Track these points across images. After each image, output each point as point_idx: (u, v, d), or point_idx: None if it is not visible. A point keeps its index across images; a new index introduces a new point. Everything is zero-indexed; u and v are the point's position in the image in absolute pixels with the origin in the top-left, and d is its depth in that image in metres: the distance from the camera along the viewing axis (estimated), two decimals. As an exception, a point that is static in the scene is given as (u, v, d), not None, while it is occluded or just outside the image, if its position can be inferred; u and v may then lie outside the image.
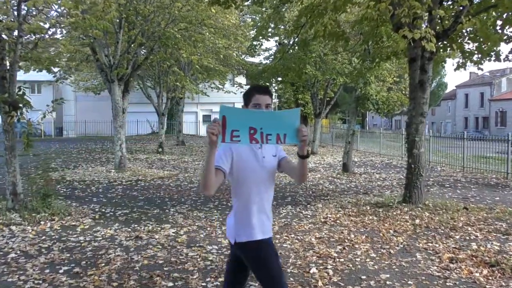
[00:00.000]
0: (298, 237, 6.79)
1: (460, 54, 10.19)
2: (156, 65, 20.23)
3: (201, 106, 43.21)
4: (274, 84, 24.15)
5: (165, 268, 5.38)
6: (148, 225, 7.66)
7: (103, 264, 5.51)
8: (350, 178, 13.77)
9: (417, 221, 7.68)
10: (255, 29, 18.23)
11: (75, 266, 5.47)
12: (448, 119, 68.83)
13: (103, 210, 8.93)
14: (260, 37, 19.11)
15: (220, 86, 29.63)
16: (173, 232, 7.14)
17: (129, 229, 7.33)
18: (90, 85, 28.91)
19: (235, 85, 30.73)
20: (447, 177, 14.24)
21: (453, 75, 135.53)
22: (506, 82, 61.59)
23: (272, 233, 2.98)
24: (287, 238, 6.77)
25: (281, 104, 53.39)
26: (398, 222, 7.66)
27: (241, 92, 32.26)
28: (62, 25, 8.31)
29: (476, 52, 9.85)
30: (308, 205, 9.35)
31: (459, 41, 9.54)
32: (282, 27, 20.03)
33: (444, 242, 6.51)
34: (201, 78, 19.62)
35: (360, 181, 13.18)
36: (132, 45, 14.66)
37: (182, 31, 14.80)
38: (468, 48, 9.87)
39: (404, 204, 8.77)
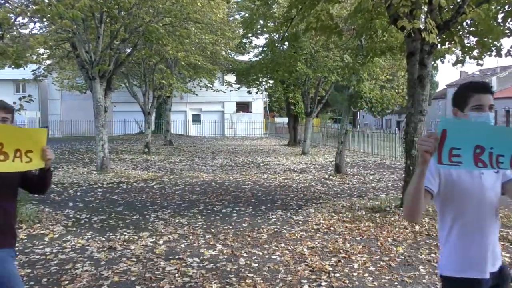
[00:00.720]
0: (289, 247, 6.17)
1: (458, 49, 9.64)
2: (141, 62, 19.51)
3: (190, 105, 42.46)
4: (264, 82, 23.49)
5: (137, 287, 4.74)
6: (125, 233, 7.00)
7: (66, 282, 4.85)
8: (343, 180, 13.19)
9: (417, 227, 7.10)
10: (243, 24, 17.54)
11: (34, 284, 4.80)
12: (439, 119, 68.57)
13: (78, 216, 8.25)
14: (249, 31, 18.37)
15: (209, 85, 28.97)
16: (151, 242, 6.49)
17: (103, 239, 6.67)
18: (75, 84, 28.07)
19: (225, 84, 30.05)
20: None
21: (443, 74, 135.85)
22: (497, 81, 61.48)
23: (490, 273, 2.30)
24: (277, 248, 6.15)
25: (272, 104, 52.80)
26: (397, 229, 7.08)
27: (230, 91, 31.70)
28: (28, 14, 7.61)
29: (476, 46, 9.31)
30: (300, 210, 8.74)
31: (458, 34, 8.98)
32: (272, 24, 19.44)
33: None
34: (188, 76, 18.90)
35: (354, 183, 12.61)
36: (114, 41, 13.96)
37: (167, 26, 14.11)
38: (468, 43, 9.33)
39: (401, 208, 8.18)
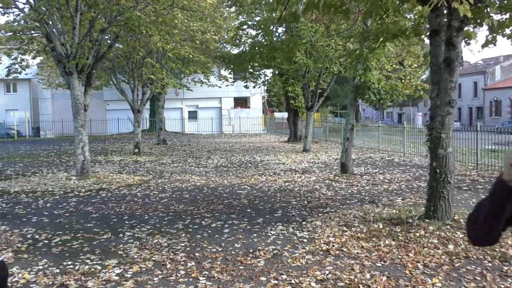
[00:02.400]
0: (292, 280, 4.79)
1: (486, 28, 8.22)
2: (129, 56, 18.08)
3: (186, 102, 41.03)
4: (261, 75, 22.04)
5: None
6: (87, 261, 5.61)
7: None
8: (351, 181, 11.81)
9: (451, 247, 5.71)
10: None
11: None
12: None
13: (37, 236, 6.86)
14: (243, 12, 16.70)
15: (204, 80, 27.52)
16: (116, 275, 5.10)
17: (57, 270, 5.28)
18: (63, 81, 26.58)
19: (221, 79, 28.59)
20: (461, 176, 12.31)
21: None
22: (500, 70, 60.07)
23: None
24: (276, 282, 4.77)
25: (270, 98, 51.32)
26: (426, 249, 5.68)
27: (226, 86, 30.25)
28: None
29: (508, 23, 7.89)
30: (304, 222, 7.34)
31: (487, 10, 7.57)
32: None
33: (501, 285, 4.55)
34: (176, 68, 17.43)
35: (363, 185, 11.22)
36: (92, 31, 12.54)
37: (150, 13, 12.66)
38: (499, 20, 7.91)
39: (427, 220, 6.79)
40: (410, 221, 6.85)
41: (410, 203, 8.68)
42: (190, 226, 7.36)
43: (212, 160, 17.64)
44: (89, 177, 12.57)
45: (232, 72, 19.60)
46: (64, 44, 12.49)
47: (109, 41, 14.28)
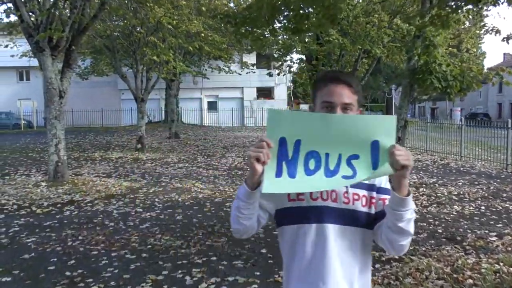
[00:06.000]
0: None
1: None
2: (129, 34, 15.26)
3: (205, 91, 38.24)
4: (288, 61, 18.92)
5: None
6: None
7: None
8: (405, 197, 8.73)
9: None
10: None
11: None
12: (479, 105, 62.74)
13: None
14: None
15: (224, 67, 24.53)
16: None
17: None
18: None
19: (242, 66, 25.62)
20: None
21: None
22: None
23: None
24: None
25: (296, 89, 48.03)
26: None
27: (247, 73, 27.25)
28: None
29: None
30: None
31: None
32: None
33: None
34: (176, 43, 14.49)
35: (424, 204, 8.14)
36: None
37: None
38: None
39: None
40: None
41: (514, 245, 5.61)
42: (165, 286, 4.45)
43: (226, 159, 14.73)
44: (63, 184, 9.79)
45: (245, 44, 16.32)
46: (34, 12, 9.75)
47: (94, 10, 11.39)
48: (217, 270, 4.85)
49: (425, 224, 6.73)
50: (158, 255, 5.39)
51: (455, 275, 4.56)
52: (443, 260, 5.04)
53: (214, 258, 5.25)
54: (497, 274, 4.55)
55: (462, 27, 12.14)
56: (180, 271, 4.83)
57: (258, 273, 4.77)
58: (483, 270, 4.67)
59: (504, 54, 62.34)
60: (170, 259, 5.24)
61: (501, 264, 4.86)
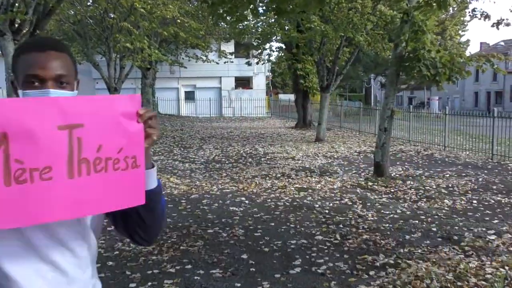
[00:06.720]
0: None
1: None
2: (101, 19, 14.44)
3: (182, 81, 37.35)
4: (267, 48, 18.35)
5: None
6: None
7: None
8: (392, 190, 8.31)
9: None
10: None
11: None
12: (456, 95, 63.23)
13: None
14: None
15: (201, 57, 23.83)
16: None
17: None
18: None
19: (220, 55, 24.97)
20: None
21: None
22: (522, 52, 56.03)
23: None
24: None
25: (274, 79, 47.48)
26: None
27: (225, 63, 26.61)
28: None
29: None
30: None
31: None
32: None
33: None
34: (149, 28, 13.80)
35: (413, 199, 7.71)
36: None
37: None
38: None
39: None
40: None
41: (515, 245, 5.18)
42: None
43: (203, 151, 14.13)
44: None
45: (223, 33, 15.67)
46: (-8, -8, 8.93)
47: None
48: (192, 282, 4.28)
49: (417, 221, 6.28)
50: (126, 263, 4.80)
51: (459, 283, 4.09)
52: (443, 264, 4.57)
53: (189, 266, 4.68)
54: (506, 281, 4.09)
55: (448, 13, 11.69)
56: (150, 284, 4.25)
57: (238, 284, 4.22)
58: (488, 276, 4.22)
59: (481, 43, 62.91)
60: (140, 268, 4.65)
61: (507, 268, 4.41)
